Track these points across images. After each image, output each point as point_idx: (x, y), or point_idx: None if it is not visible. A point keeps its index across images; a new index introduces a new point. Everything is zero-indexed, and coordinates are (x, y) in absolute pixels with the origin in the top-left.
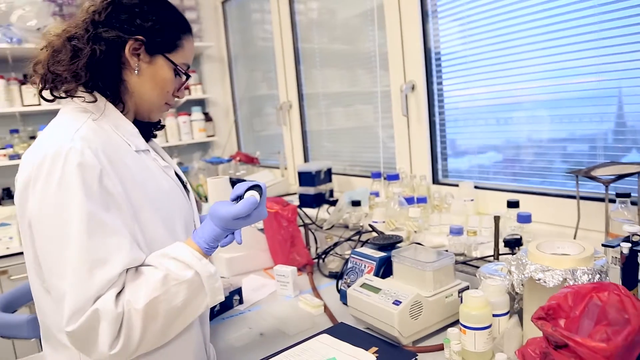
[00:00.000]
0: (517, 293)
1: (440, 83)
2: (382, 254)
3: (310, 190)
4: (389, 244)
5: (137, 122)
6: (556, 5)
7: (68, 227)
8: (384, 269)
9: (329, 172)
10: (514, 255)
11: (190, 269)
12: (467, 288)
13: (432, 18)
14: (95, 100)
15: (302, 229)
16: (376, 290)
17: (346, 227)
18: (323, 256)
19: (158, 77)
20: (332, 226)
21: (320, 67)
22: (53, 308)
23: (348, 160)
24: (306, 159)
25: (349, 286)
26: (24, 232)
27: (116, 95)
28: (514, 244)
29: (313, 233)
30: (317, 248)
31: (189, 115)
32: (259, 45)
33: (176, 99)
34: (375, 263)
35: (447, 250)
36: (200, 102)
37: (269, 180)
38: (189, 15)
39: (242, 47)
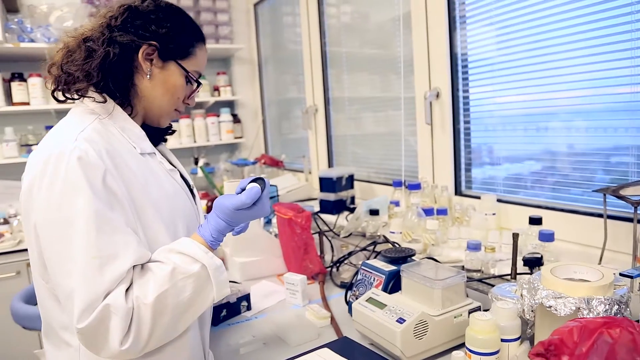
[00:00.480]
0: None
1: (466, 90)
2: (392, 267)
3: (331, 197)
4: (400, 257)
5: (147, 126)
6: (592, 11)
7: (74, 225)
8: (393, 284)
9: (350, 179)
10: (527, 278)
11: (197, 262)
12: (478, 308)
13: (459, 24)
14: (105, 101)
15: (318, 236)
16: (381, 305)
17: (364, 235)
18: (337, 265)
19: (169, 83)
20: (350, 234)
21: (347, 72)
22: (56, 307)
23: (372, 167)
24: (330, 164)
25: (356, 299)
26: (28, 233)
27: (125, 97)
28: (533, 263)
29: (330, 240)
30: (332, 256)
31: (218, 116)
32: (290, 48)
33: (186, 105)
34: (384, 277)
35: (463, 267)
36: (230, 104)
37: (291, 184)
38: (220, 18)
39: (273, 49)
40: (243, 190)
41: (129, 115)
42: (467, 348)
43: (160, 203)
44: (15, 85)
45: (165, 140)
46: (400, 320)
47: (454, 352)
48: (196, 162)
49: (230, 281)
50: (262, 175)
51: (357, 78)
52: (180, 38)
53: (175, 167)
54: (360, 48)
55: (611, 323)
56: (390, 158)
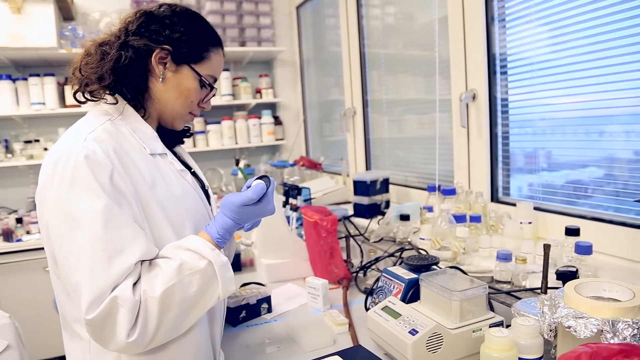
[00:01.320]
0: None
1: (505, 92)
2: (413, 275)
3: (364, 200)
4: (422, 265)
5: (163, 128)
6: None
7: (82, 221)
8: (413, 293)
9: (385, 182)
10: (549, 293)
11: (204, 259)
12: (500, 324)
13: (498, 22)
14: (116, 103)
15: (346, 240)
16: (396, 315)
17: (394, 241)
18: (364, 271)
19: (182, 86)
20: (381, 239)
21: (386, 74)
22: (68, 301)
23: (411, 171)
24: (368, 167)
25: (376, 306)
26: (42, 230)
27: (137, 99)
28: (567, 277)
29: (359, 245)
30: (361, 261)
31: (259, 118)
32: (332, 50)
33: (201, 109)
34: (403, 285)
35: (492, 278)
36: (271, 106)
37: (328, 187)
38: (262, 21)
39: (315, 51)
40: (248, 187)
41: (142, 117)
42: None
43: (167, 202)
44: (68, 89)
45: (182, 142)
46: (413, 332)
47: None
48: (237, 163)
49: (255, 283)
50: (267, 174)
51: (396, 80)
52: (194, 42)
53: (191, 168)
54: (399, 50)
55: (630, 351)
56: (429, 162)
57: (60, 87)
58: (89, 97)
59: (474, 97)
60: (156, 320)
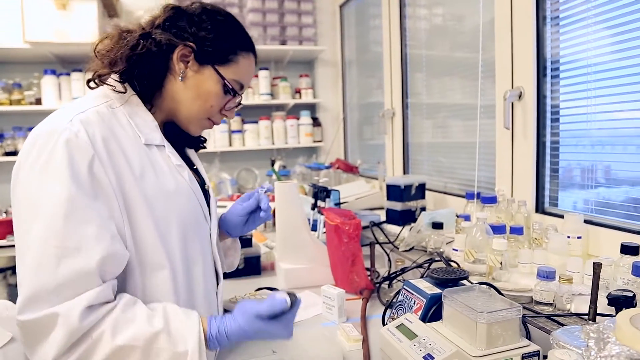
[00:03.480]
0: None
1: (556, 98)
2: (437, 290)
3: (397, 206)
4: (449, 280)
5: (176, 127)
6: None
7: (41, 208)
8: (435, 310)
9: (421, 188)
10: (596, 326)
11: (185, 346)
12: (536, 354)
13: (550, 22)
14: (125, 92)
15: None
16: (412, 335)
17: (425, 251)
18: (388, 281)
19: (202, 88)
20: (411, 248)
21: (428, 76)
22: None
23: (450, 177)
24: (406, 172)
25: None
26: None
27: (147, 93)
28: (621, 303)
29: (387, 254)
30: (388, 271)
31: (297, 119)
32: (375, 50)
33: (223, 117)
34: (425, 301)
35: (532, 298)
36: (311, 107)
37: (362, 191)
38: (304, 20)
39: (358, 52)
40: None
41: (148, 109)
42: None
43: (154, 198)
44: None
45: (197, 150)
46: (428, 357)
47: None
48: (272, 164)
49: (267, 288)
50: (295, 293)
51: (440, 83)
52: (221, 42)
53: (193, 165)
54: (443, 52)
55: None
56: (471, 168)
57: None
58: (94, 81)
59: (520, 96)
60: None
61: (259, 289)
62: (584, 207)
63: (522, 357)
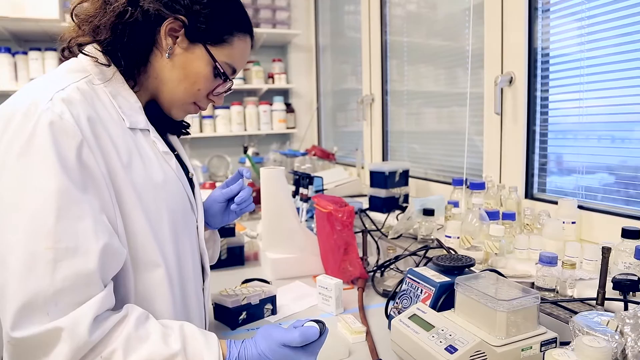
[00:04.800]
0: None
1: (545, 90)
2: (446, 278)
3: (381, 193)
4: (456, 267)
5: (159, 109)
6: None
7: (27, 203)
8: (445, 299)
9: (405, 175)
10: (632, 310)
11: None
12: (554, 341)
13: (542, 12)
14: (109, 66)
15: (362, 235)
16: (428, 326)
17: (415, 238)
18: (381, 270)
19: (190, 69)
20: (400, 236)
21: (408, 64)
22: None
23: (431, 165)
24: (385, 159)
25: (399, 313)
26: None
27: (131, 68)
28: (627, 287)
29: (376, 241)
30: (378, 259)
31: (270, 104)
32: (350, 36)
33: (210, 102)
34: (434, 289)
35: (533, 284)
36: (284, 93)
37: (341, 178)
38: (278, 2)
39: (332, 37)
40: (295, 327)
41: (131, 88)
42: None
43: (143, 189)
44: None
45: (178, 135)
46: (451, 349)
47: None
48: (245, 151)
49: (258, 279)
50: (323, 321)
51: (419, 71)
52: (216, 20)
53: (175, 150)
54: (424, 39)
55: None
56: (451, 155)
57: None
58: (71, 50)
59: (510, 81)
60: None
61: (247, 280)
62: (573, 192)
63: (541, 345)
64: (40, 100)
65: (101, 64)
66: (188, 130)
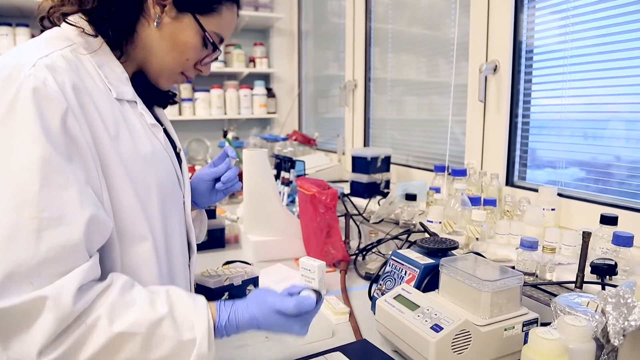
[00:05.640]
0: (608, 342)
1: (529, 81)
2: (430, 260)
3: (363, 178)
4: (440, 249)
5: (146, 80)
6: None
7: (8, 171)
8: (429, 280)
9: (387, 161)
10: (615, 290)
11: (192, 333)
12: (536, 321)
13: (527, 8)
14: (96, 36)
15: (344, 219)
16: (413, 306)
17: (397, 223)
18: (363, 253)
19: (179, 38)
20: (381, 220)
21: (392, 51)
22: None
23: (412, 153)
24: (366, 145)
25: (382, 294)
26: None
27: (118, 38)
28: (605, 271)
29: (357, 225)
30: (359, 243)
31: (251, 89)
32: (333, 22)
33: (197, 72)
34: (418, 271)
35: (513, 267)
36: (265, 77)
37: (322, 163)
38: None
39: (315, 23)
40: (291, 294)
41: (117, 58)
42: None
43: (131, 162)
44: None
45: (164, 106)
46: (436, 328)
47: None
48: (225, 135)
49: (240, 261)
50: (320, 291)
51: (402, 59)
52: None
53: (163, 124)
54: (408, 27)
55: None
56: (432, 142)
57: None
58: (53, 20)
59: (495, 69)
60: (90, 355)
61: (228, 262)
62: (550, 180)
63: (523, 325)
64: (23, 66)
65: (87, 34)
66: (175, 99)
